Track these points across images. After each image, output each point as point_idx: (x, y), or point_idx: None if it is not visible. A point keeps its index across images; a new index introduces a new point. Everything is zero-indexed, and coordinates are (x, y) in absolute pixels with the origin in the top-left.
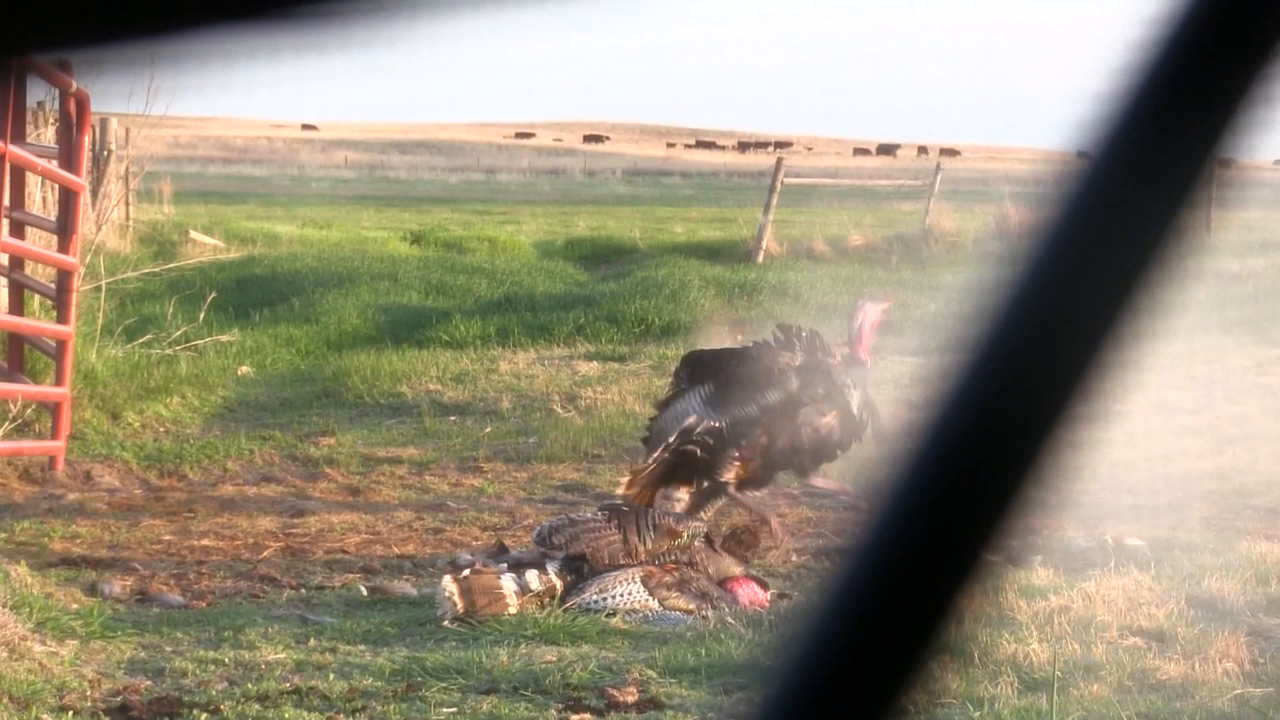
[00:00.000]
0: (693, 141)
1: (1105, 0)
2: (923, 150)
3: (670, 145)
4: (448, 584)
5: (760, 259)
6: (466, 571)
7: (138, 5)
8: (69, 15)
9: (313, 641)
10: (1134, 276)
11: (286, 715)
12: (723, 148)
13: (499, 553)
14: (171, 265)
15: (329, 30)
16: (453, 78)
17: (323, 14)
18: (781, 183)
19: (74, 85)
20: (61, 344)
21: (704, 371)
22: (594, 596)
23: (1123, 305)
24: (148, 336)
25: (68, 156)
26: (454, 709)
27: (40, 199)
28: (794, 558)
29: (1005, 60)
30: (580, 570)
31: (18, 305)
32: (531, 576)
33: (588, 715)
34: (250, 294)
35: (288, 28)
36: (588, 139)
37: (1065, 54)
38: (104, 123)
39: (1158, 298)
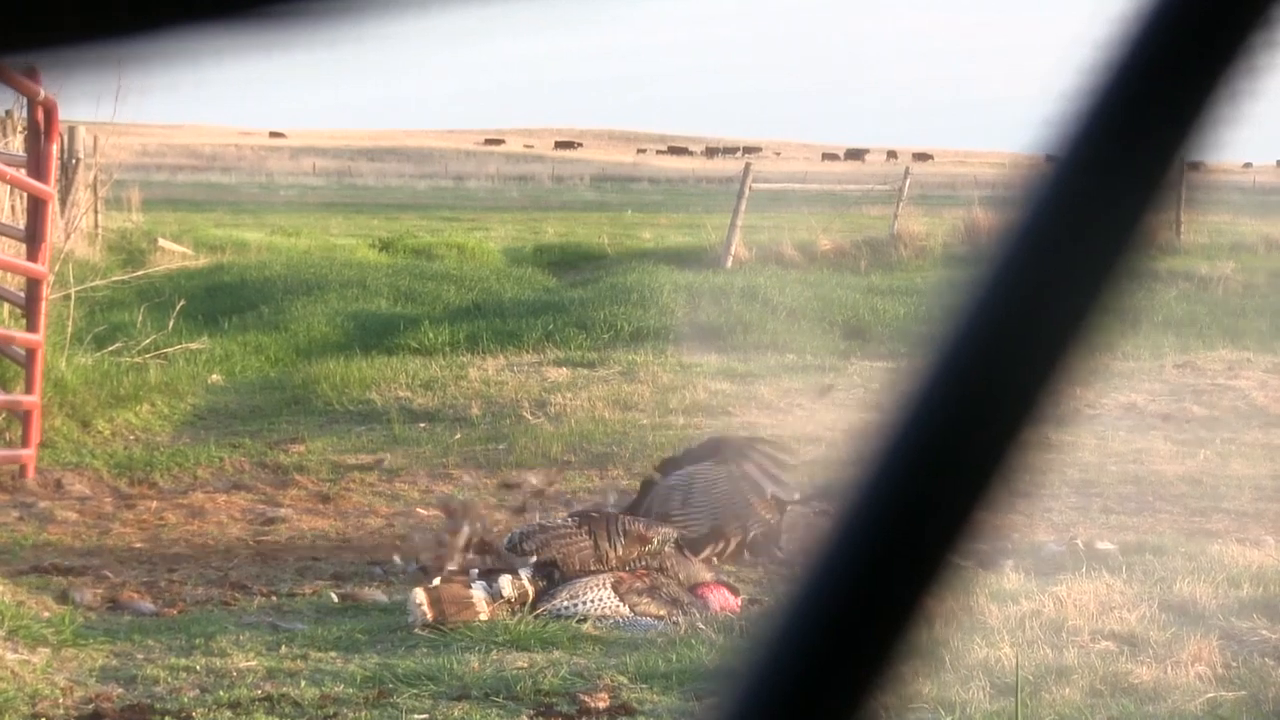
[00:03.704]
0: (664, 148)
1: (1074, 2)
2: (892, 155)
3: (640, 151)
4: (418, 594)
5: (729, 264)
6: (437, 580)
7: (102, 5)
8: (33, 15)
9: (284, 649)
10: (1103, 279)
11: None
12: (692, 153)
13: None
14: (140, 273)
15: (294, 29)
16: (421, 85)
17: (288, 13)
18: (750, 188)
19: (42, 93)
20: (31, 352)
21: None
22: (565, 603)
23: (1092, 308)
24: (117, 344)
25: (36, 165)
26: (425, 715)
27: (9, 207)
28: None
29: (974, 64)
30: (551, 576)
31: None
32: (505, 582)
33: None
34: (219, 302)
35: (253, 26)
36: (559, 145)
37: (1034, 56)
38: (72, 131)
39: (1127, 301)
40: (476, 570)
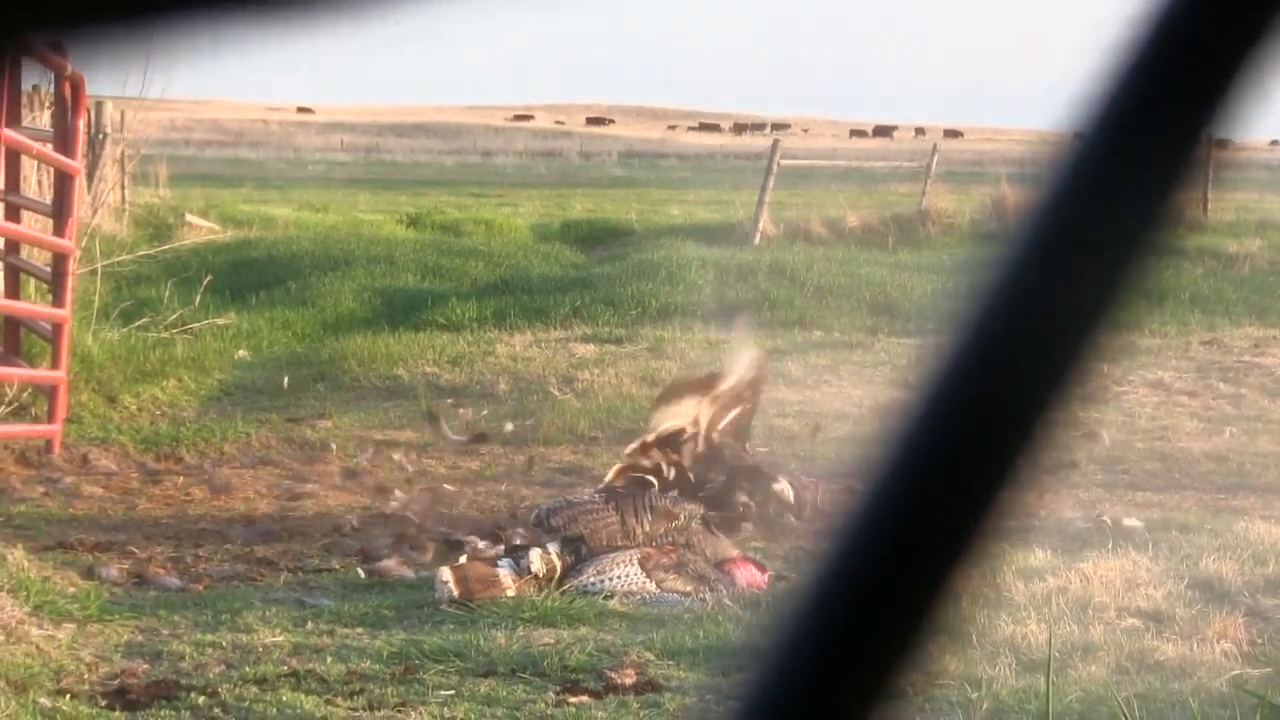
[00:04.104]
0: (695, 124)
1: None
2: (920, 132)
3: (671, 128)
4: (444, 572)
5: (757, 240)
6: (463, 559)
7: None
8: None
9: (310, 624)
10: (1130, 257)
11: (284, 698)
12: (721, 130)
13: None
14: (167, 248)
15: (320, 12)
16: (450, 61)
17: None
18: (778, 164)
19: (69, 68)
20: (58, 327)
21: None
22: (591, 579)
23: (1119, 286)
24: (144, 320)
25: (63, 140)
26: (451, 691)
27: (36, 182)
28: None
29: (1003, 40)
30: (579, 551)
31: (14, 289)
32: (534, 556)
33: (585, 697)
34: (246, 277)
35: (276, 8)
36: (590, 121)
37: (1062, 33)
38: (99, 106)
39: (1154, 279)
40: (502, 548)
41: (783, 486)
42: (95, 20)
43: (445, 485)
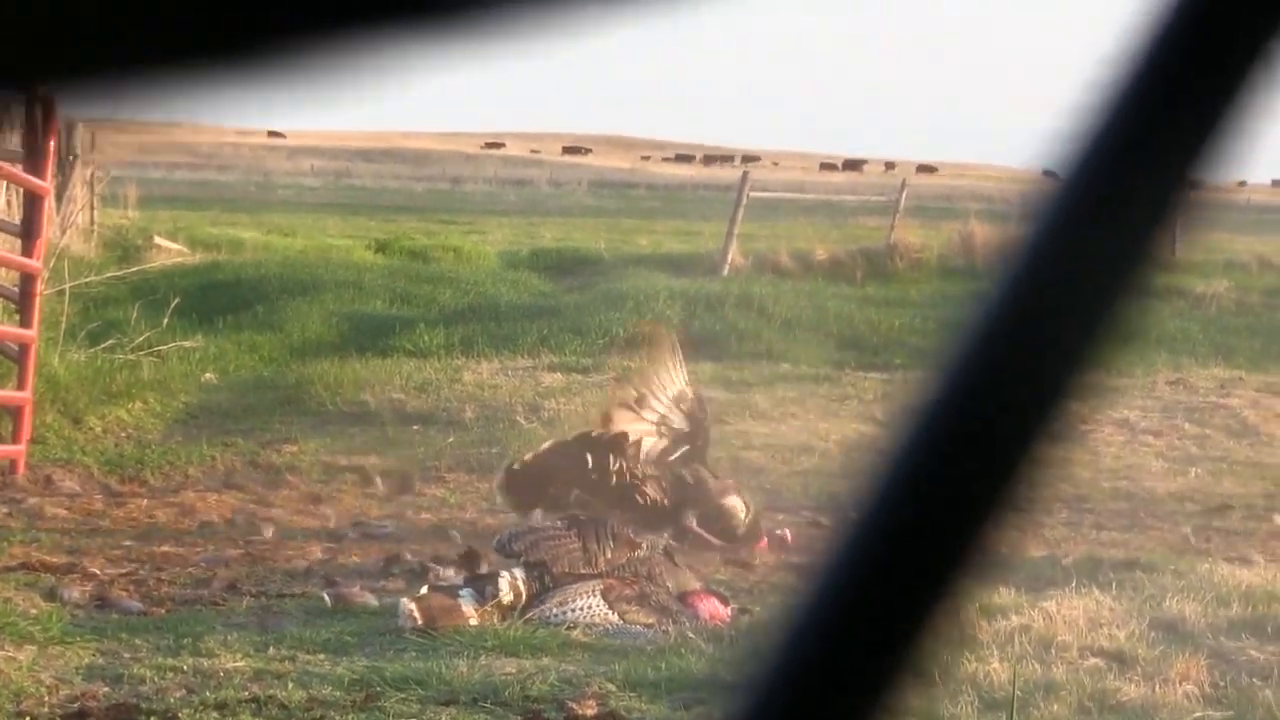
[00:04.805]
0: (671, 155)
1: (1077, 18)
2: (889, 166)
3: (644, 158)
4: (404, 603)
5: (726, 272)
6: (424, 589)
7: (135, 44)
8: (63, 51)
9: (272, 650)
10: (1099, 297)
11: None
12: (694, 160)
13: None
14: (135, 270)
15: (317, 76)
16: (421, 88)
17: (315, 64)
18: (747, 196)
19: (40, 89)
20: (24, 347)
21: None
22: (554, 609)
23: (1088, 326)
24: (111, 341)
25: (33, 160)
26: (413, 719)
27: (5, 202)
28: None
29: (974, 78)
30: (543, 579)
31: None
32: (503, 584)
33: None
34: (214, 300)
35: (274, 70)
36: (567, 150)
37: (1036, 70)
38: (70, 127)
39: (1123, 319)
40: (463, 578)
41: (733, 501)
42: (81, 78)
43: (409, 512)
